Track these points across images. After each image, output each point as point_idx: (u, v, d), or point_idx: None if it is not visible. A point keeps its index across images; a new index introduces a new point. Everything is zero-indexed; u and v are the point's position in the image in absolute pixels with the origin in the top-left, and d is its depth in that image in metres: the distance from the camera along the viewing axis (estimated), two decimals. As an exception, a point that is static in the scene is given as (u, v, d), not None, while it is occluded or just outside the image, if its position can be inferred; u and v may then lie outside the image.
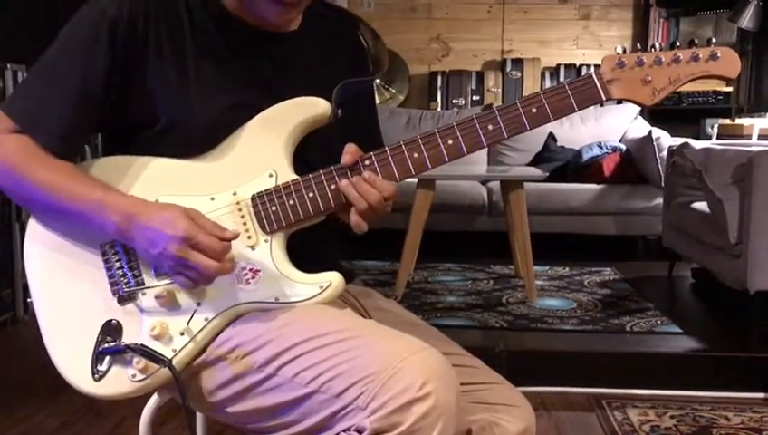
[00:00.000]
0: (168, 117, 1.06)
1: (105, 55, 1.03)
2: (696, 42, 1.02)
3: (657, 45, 1.03)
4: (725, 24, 4.69)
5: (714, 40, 1.03)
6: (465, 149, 1.03)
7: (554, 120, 1.03)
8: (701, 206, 3.16)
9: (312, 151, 1.09)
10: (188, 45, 1.07)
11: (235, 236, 1.00)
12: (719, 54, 1.02)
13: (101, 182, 1.05)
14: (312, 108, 1.07)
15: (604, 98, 1.03)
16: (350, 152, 1.04)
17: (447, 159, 1.04)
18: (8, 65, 3.04)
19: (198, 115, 1.06)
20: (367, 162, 1.04)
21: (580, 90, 1.02)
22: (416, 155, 1.04)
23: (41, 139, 1.04)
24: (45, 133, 1.04)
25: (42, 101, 1.05)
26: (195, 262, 0.96)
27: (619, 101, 4.75)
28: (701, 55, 1.02)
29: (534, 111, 1.02)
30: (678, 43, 1.04)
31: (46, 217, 1.08)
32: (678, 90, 1.05)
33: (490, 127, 1.03)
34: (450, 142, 1.03)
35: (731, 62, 1.02)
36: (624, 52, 1.03)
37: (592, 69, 1.08)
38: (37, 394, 2.25)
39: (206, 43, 1.09)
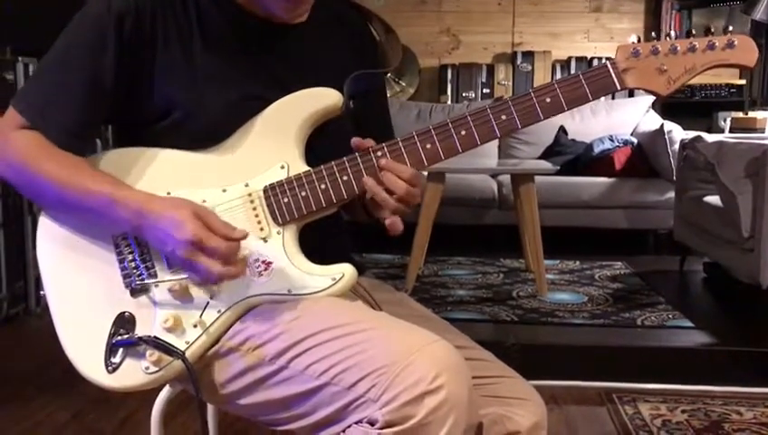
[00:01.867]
0: (177, 110, 1.06)
1: (113, 50, 1.03)
2: (713, 30, 1.00)
3: (672, 34, 1.02)
4: (739, 17, 4.64)
5: (731, 28, 1.01)
6: (478, 139, 1.03)
7: (568, 109, 1.02)
8: (713, 199, 3.14)
9: (323, 143, 1.09)
10: (196, 38, 1.07)
11: (244, 236, 1.00)
12: (736, 42, 1.00)
13: (110, 177, 1.04)
14: (323, 99, 1.07)
15: (619, 87, 1.02)
16: (360, 139, 1.04)
17: (461, 150, 1.03)
18: (19, 58, 3.05)
19: (207, 108, 1.05)
20: (379, 153, 1.04)
21: (594, 79, 1.01)
22: (428, 146, 1.03)
23: (50, 134, 1.04)
24: (54, 129, 1.04)
25: (50, 96, 1.05)
26: (201, 264, 0.97)
27: (631, 94, 4.79)
28: (717, 44, 1.00)
29: (548, 100, 1.01)
30: (694, 32, 1.02)
31: (58, 212, 1.08)
32: (691, 82, 1.03)
33: (503, 117, 1.02)
34: (463, 133, 1.03)
35: (748, 50, 1.00)
36: (639, 41, 1.02)
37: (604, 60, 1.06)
38: (49, 386, 2.27)
39: (214, 35, 1.08)
